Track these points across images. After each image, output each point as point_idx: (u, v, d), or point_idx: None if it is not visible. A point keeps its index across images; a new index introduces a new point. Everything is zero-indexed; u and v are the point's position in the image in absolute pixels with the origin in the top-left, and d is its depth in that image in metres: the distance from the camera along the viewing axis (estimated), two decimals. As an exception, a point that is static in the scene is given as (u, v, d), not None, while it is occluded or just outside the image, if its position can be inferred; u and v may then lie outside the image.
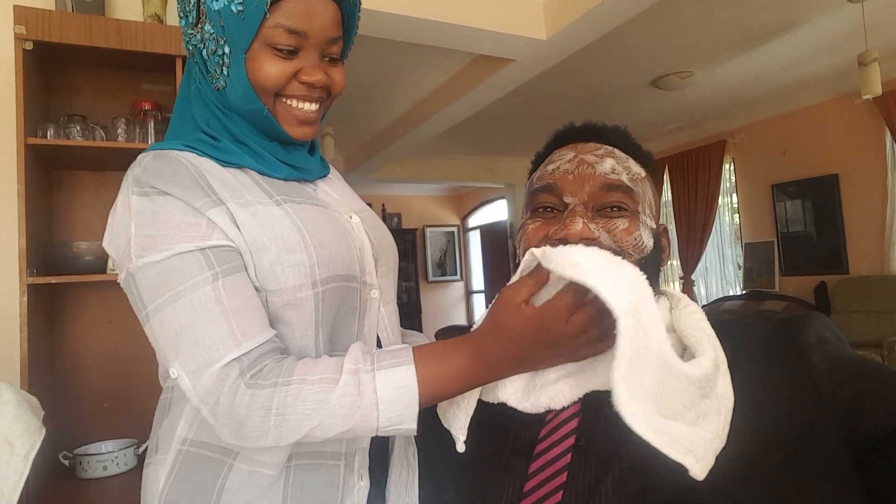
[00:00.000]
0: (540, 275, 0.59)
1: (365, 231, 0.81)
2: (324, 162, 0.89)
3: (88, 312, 1.85)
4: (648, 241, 0.68)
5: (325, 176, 0.87)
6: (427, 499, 0.80)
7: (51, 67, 1.80)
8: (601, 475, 0.59)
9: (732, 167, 5.68)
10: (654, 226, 0.71)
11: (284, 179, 0.77)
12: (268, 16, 0.69)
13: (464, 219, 9.12)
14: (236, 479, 0.69)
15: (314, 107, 0.77)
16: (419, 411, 0.63)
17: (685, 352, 0.63)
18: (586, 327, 0.58)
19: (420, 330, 0.92)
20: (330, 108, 0.83)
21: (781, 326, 0.64)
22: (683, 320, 0.64)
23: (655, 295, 0.69)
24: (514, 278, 0.64)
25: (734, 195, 5.72)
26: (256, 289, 0.68)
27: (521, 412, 0.67)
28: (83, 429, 1.77)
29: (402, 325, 0.89)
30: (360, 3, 0.80)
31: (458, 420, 0.69)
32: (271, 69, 0.71)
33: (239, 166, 0.74)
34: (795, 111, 5.04)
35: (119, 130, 1.73)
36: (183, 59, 1.65)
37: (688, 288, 5.80)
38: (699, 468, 0.52)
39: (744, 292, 5.32)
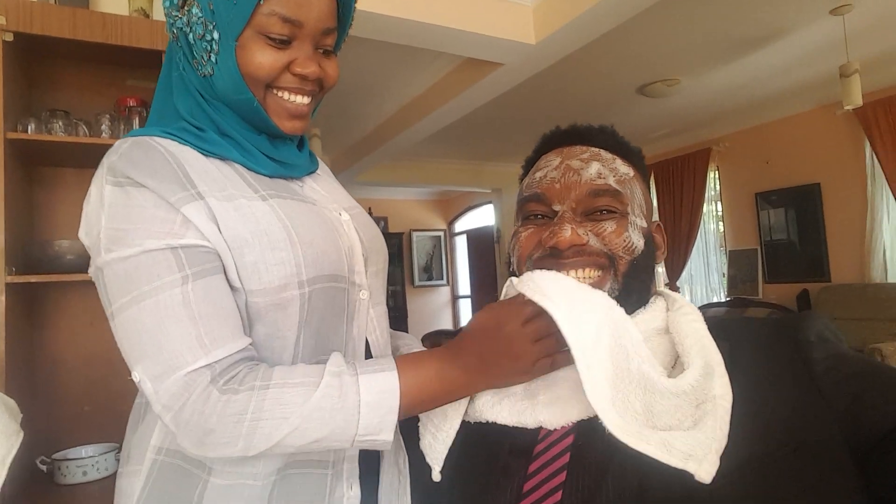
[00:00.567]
0: (518, 299, 0.63)
1: (355, 229, 0.78)
2: (312, 157, 0.86)
3: (69, 313, 1.80)
4: (639, 242, 0.68)
5: (313, 172, 0.83)
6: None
7: (32, 60, 1.76)
8: (600, 475, 0.59)
9: (717, 175, 5.75)
10: (645, 225, 0.71)
11: (270, 176, 0.74)
12: (262, 2, 0.66)
13: (450, 223, 9.13)
14: (214, 492, 0.65)
15: (306, 100, 0.74)
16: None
17: (677, 360, 0.63)
18: (542, 334, 0.61)
19: (405, 334, 0.93)
20: (319, 107, 0.80)
21: (781, 326, 0.64)
22: (678, 323, 0.64)
23: (652, 296, 0.69)
24: None
25: (718, 203, 5.79)
26: (235, 289, 0.65)
27: None
28: (62, 433, 1.72)
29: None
30: None
31: (434, 451, 0.71)
32: (263, 59, 0.68)
33: (223, 158, 0.71)
34: (778, 120, 5.13)
35: (103, 126, 1.69)
36: (170, 54, 1.62)
37: (672, 294, 5.85)
38: (703, 471, 0.52)
39: (728, 299, 5.38)
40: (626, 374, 0.56)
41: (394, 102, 4.42)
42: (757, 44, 3.52)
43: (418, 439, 0.73)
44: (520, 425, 0.65)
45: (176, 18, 0.70)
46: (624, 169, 0.71)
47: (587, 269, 0.66)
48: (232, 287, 0.65)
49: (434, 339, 4.16)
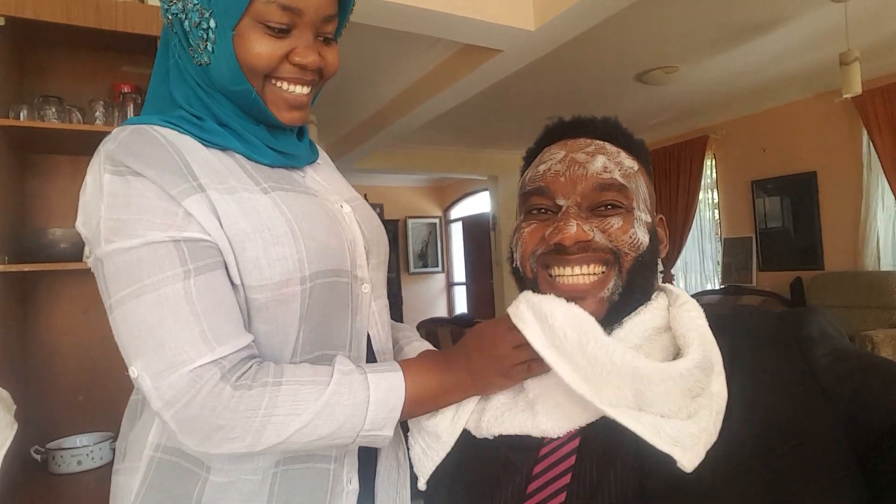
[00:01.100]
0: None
1: (357, 222, 0.77)
2: (313, 146, 0.84)
3: (63, 302, 1.79)
4: (644, 238, 0.67)
5: (313, 162, 0.82)
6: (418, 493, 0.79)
7: (24, 45, 1.73)
8: (603, 475, 0.59)
9: (713, 163, 5.75)
10: (650, 220, 0.70)
11: (271, 166, 0.73)
12: None
13: (446, 210, 9.11)
14: (213, 489, 0.65)
15: (306, 90, 0.72)
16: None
17: (677, 355, 0.63)
18: (521, 342, 0.63)
19: (400, 322, 0.92)
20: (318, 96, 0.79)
21: (782, 321, 0.63)
22: (679, 318, 0.64)
23: (654, 292, 0.69)
24: None
25: (715, 191, 5.79)
26: (235, 285, 0.64)
27: None
28: (56, 422, 1.72)
29: None
30: None
31: (422, 464, 0.72)
32: (262, 49, 0.66)
33: (223, 148, 0.69)
34: (775, 108, 5.12)
35: (97, 113, 1.67)
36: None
37: (667, 282, 5.87)
38: (687, 459, 0.53)
39: (722, 287, 5.40)
40: (610, 368, 0.57)
41: (391, 89, 4.38)
42: (758, 31, 3.50)
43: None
44: (524, 433, 0.65)
45: (171, 4, 0.68)
46: (629, 162, 0.70)
47: (591, 266, 0.65)
48: (231, 283, 0.64)
49: (429, 327, 4.17)
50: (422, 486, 0.71)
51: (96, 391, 1.77)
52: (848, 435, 0.53)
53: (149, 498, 0.66)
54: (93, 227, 0.62)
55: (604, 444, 0.60)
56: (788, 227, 5.09)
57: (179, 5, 0.67)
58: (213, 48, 0.66)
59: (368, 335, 0.76)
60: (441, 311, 8.76)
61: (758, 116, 5.28)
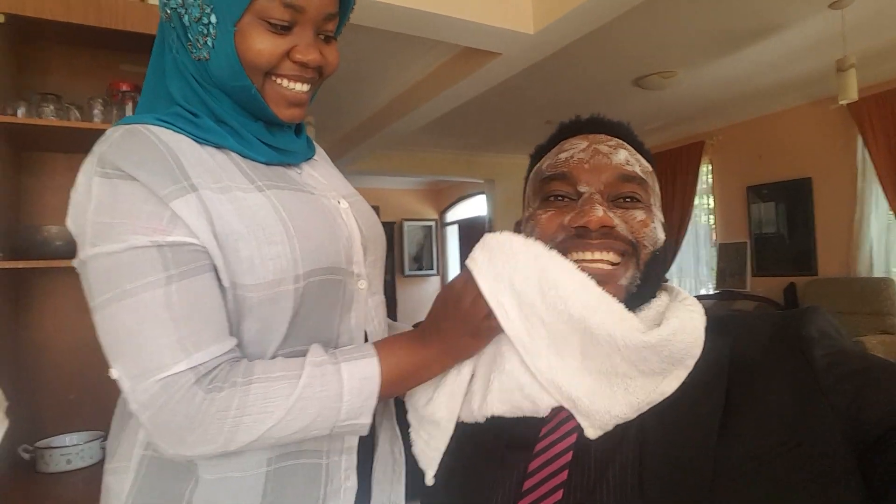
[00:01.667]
0: None
1: (354, 218, 0.77)
2: (310, 142, 0.84)
3: (57, 299, 1.78)
4: (661, 234, 0.68)
5: (310, 158, 0.82)
6: (414, 493, 0.78)
7: (23, 42, 1.72)
8: (600, 473, 0.58)
9: (709, 168, 5.77)
10: (663, 220, 0.71)
11: (267, 163, 0.72)
12: None
13: (442, 213, 9.11)
14: (204, 488, 0.65)
15: (305, 87, 0.72)
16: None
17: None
18: (478, 293, 0.62)
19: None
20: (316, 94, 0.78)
21: (783, 321, 0.63)
22: (674, 309, 0.64)
23: (658, 291, 0.69)
24: None
25: (710, 196, 5.82)
26: (224, 286, 0.64)
27: None
28: (46, 421, 1.71)
29: None
30: None
31: (426, 456, 0.70)
32: (263, 46, 0.66)
33: (218, 146, 0.69)
34: (772, 114, 5.15)
35: (95, 111, 1.66)
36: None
37: (662, 286, 5.89)
38: (591, 431, 0.59)
39: (716, 292, 5.42)
40: (566, 318, 0.58)
41: (389, 91, 4.38)
42: (755, 37, 3.52)
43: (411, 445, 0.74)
44: (516, 410, 0.64)
45: None
46: (645, 163, 0.71)
47: (610, 253, 0.64)
48: (222, 284, 0.64)
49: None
50: (429, 480, 0.70)
51: (87, 390, 1.75)
52: (847, 435, 0.53)
53: (141, 497, 0.65)
54: (80, 228, 0.63)
55: (603, 442, 0.60)
56: (783, 233, 5.11)
57: (179, 0, 0.66)
58: (213, 43, 0.66)
59: (365, 332, 0.77)
60: (436, 314, 8.73)
61: (754, 122, 5.31)
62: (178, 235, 0.61)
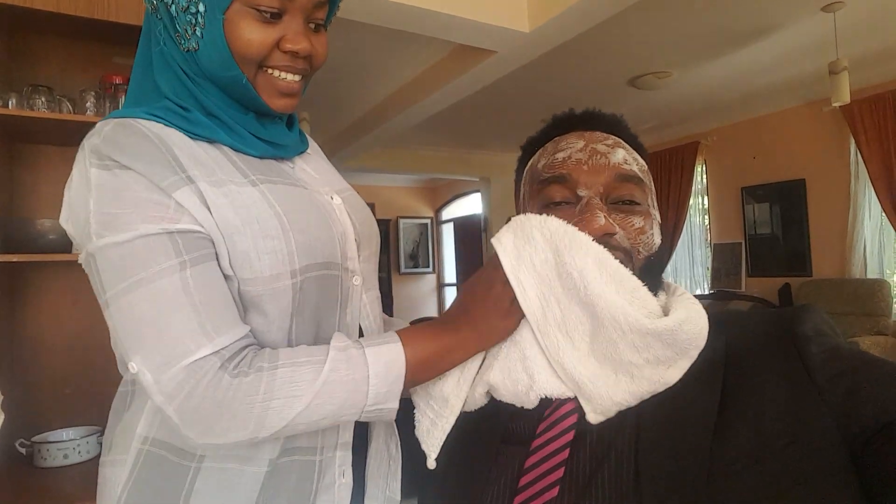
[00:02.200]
0: None
1: (347, 213, 0.76)
2: (303, 136, 0.83)
3: (52, 293, 1.77)
4: (657, 239, 0.68)
5: (303, 152, 0.81)
6: (411, 490, 0.78)
7: (14, 33, 1.71)
8: (596, 468, 0.58)
9: (704, 169, 5.79)
10: (660, 219, 0.71)
11: (260, 157, 0.72)
12: None
13: (437, 211, 9.11)
14: (201, 483, 0.64)
15: (297, 77, 0.71)
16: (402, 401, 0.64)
17: None
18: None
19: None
20: (306, 92, 0.77)
21: (778, 319, 0.63)
22: (675, 302, 0.63)
23: (657, 291, 0.69)
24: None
25: (705, 197, 5.84)
26: (228, 277, 0.63)
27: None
28: (42, 416, 1.70)
29: None
30: None
31: (431, 437, 0.69)
32: (253, 35, 0.65)
33: (210, 140, 0.68)
34: (766, 116, 5.17)
35: (88, 104, 1.65)
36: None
37: (657, 286, 5.91)
38: (593, 416, 0.59)
39: (711, 292, 5.44)
40: (583, 296, 0.58)
41: (384, 88, 4.37)
42: (750, 38, 3.53)
43: (414, 426, 0.72)
44: (511, 384, 0.64)
45: None
46: (642, 161, 0.71)
47: None
48: (225, 275, 0.64)
49: (420, 327, 4.16)
50: (431, 463, 0.68)
51: (84, 384, 1.74)
52: (841, 432, 0.53)
53: (136, 490, 0.65)
54: (81, 223, 0.61)
55: (599, 438, 0.60)
56: (777, 234, 5.14)
57: None
58: (201, 33, 0.65)
59: (360, 327, 0.76)
60: (431, 312, 8.74)
61: (748, 123, 5.33)
62: (185, 223, 0.60)
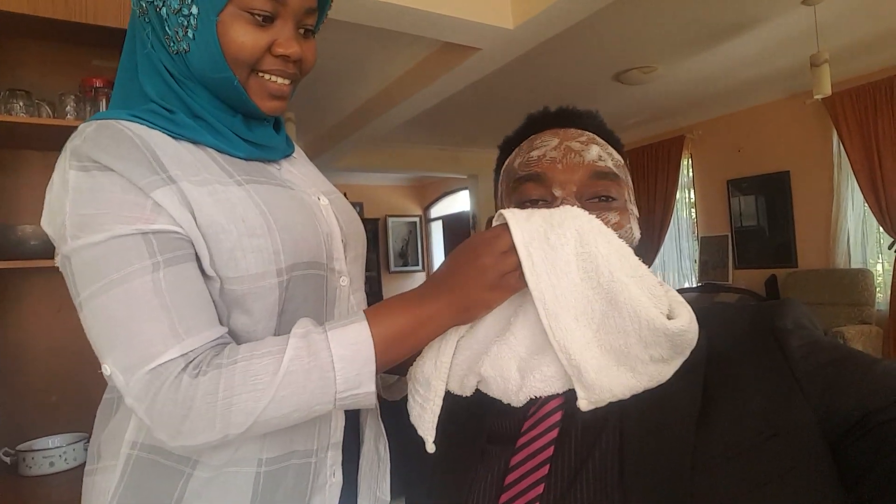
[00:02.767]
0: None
1: (334, 214, 0.76)
2: (288, 140, 0.83)
3: (34, 300, 1.75)
4: (637, 233, 0.68)
5: (289, 155, 0.81)
6: (399, 490, 0.78)
7: (-9, 37, 1.68)
8: (581, 465, 0.59)
9: (690, 162, 5.83)
10: (637, 214, 0.71)
11: (246, 159, 0.71)
12: None
13: (426, 209, 9.10)
14: (194, 488, 0.64)
15: (287, 81, 0.72)
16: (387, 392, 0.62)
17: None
18: (510, 246, 0.59)
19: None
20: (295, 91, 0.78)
21: (758, 313, 0.64)
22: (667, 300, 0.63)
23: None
24: None
25: (691, 190, 5.88)
26: (210, 277, 0.63)
27: (498, 401, 0.64)
28: (27, 424, 1.67)
29: None
30: None
31: (424, 421, 0.66)
32: (246, 38, 0.65)
33: (194, 141, 0.68)
34: (750, 109, 5.21)
35: (68, 108, 1.63)
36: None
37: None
38: (585, 403, 0.57)
39: (699, 284, 5.48)
40: (596, 284, 0.56)
41: (369, 87, 4.35)
42: (733, 32, 3.55)
43: (407, 416, 0.70)
44: (500, 381, 0.61)
45: None
46: (617, 156, 0.71)
47: None
48: (206, 276, 0.63)
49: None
50: (430, 447, 0.66)
51: (69, 391, 1.72)
52: (820, 425, 0.54)
53: (127, 495, 0.64)
54: (58, 225, 0.61)
55: (583, 435, 0.60)
56: (763, 226, 5.19)
57: None
58: (193, 35, 0.65)
59: None
60: (421, 310, 8.73)
61: (733, 117, 5.37)
62: (161, 224, 0.60)
